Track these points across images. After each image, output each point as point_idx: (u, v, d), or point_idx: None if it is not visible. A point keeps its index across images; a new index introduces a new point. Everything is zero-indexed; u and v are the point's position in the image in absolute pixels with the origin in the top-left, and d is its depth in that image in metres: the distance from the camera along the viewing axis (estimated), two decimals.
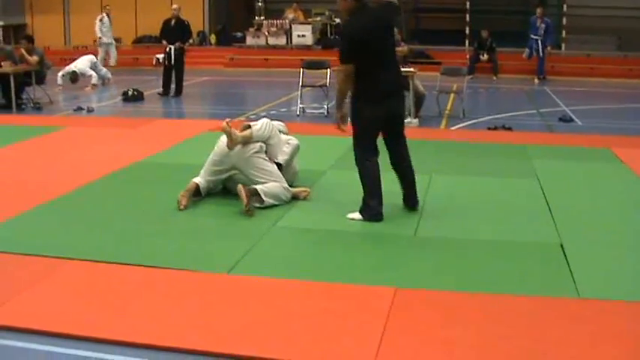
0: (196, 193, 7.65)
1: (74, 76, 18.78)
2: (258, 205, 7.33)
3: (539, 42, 21.47)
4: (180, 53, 17.33)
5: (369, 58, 6.84)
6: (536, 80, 21.75)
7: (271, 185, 7.51)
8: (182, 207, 7.40)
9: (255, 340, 4.54)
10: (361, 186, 7.14)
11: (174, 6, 18.05)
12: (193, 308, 5.01)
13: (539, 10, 21.67)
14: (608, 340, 4.60)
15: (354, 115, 7.09)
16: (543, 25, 21.47)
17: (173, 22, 17.72)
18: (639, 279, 5.75)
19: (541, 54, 21.65)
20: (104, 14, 23.12)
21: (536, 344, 4.52)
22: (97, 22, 23.00)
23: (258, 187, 7.39)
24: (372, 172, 7.16)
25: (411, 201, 7.44)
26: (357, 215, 7.10)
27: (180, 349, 4.43)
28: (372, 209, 7.07)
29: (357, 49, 6.82)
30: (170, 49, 17.26)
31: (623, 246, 6.49)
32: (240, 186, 7.26)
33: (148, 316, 4.89)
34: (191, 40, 27.04)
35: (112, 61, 23.40)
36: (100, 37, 23.06)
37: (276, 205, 7.45)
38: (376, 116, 7.01)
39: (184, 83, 17.85)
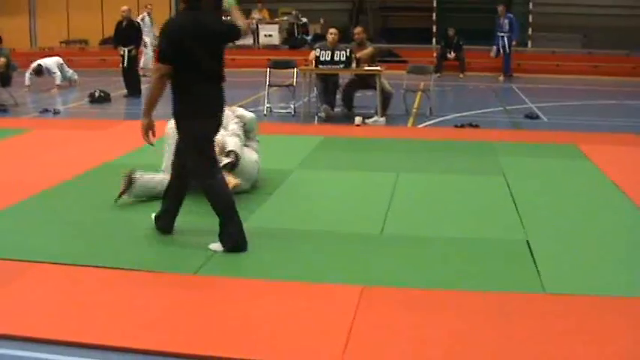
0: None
1: (39, 69, 18.64)
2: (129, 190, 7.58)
3: (505, 39, 21.56)
4: (134, 56, 17.40)
5: (189, 65, 6.11)
6: (501, 77, 21.83)
7: (153, 177, 7.73)
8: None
9: (222, 340, 4.54)
10: (215, 213, 6.32)
11: (124, 7, 17.91)
12: (160, 309, 5.00)
13: (500, 8, 21.76)
14: (575, 334, 4.64)
15: (186, 136, 6.30)
16: (507, 21, 21.56)
17: (124, 23, 17.68)
18: (604, 274, 5.79)
19: (507, 50, 21.72)
20: (145, 14, 22.69)
21: (504, 340, 4.55)
22: (140, 22, 22.62)
23: (136, 175, 7.61)
24: (221, 192, 6.34)
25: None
26: (218, 246, 6.25)
27: (147, 350, 4.42)
28: (232, 237, 6.25)
29: (175, 50, 6.06)
30: (124, 51, 17.29)
31: (588, 242, 6.54)
32: (123, 174, 7.57)
33: (115, 318, 4.87)
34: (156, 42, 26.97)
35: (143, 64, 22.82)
36: (144, 41, 22.63)
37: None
38: (208, 131, 6.32)
39: (148, 85, 17.77)
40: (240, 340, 4.53)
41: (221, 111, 6.38)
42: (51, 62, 18.94)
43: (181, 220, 6.99)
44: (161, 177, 7.66)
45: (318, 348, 4.44)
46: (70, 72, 19.58)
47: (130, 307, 5.04)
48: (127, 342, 4.51)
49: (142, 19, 22.39)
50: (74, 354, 4.41)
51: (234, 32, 6.55)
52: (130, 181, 7.52)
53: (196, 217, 7.17)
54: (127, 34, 17.47)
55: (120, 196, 7.50)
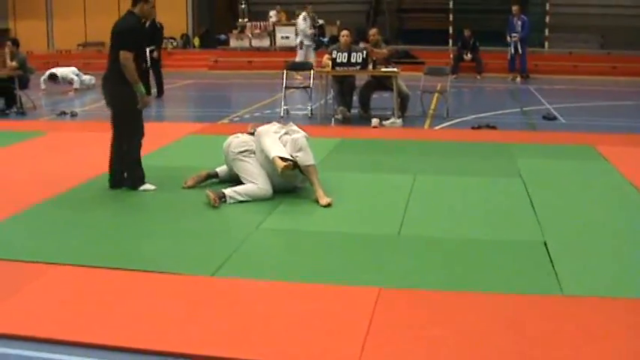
0: (212, 177, 8.55)
1: (53, 76, 18.79)
2: (225, 201, 7.68)
3: (518, 40, 21.55)
4: (156, 57, 17.25)
5: None
6: (518, 79, 21.81)
7: (244, 186, 7.84)
8: (185, 185, 8.30)
9: (240, 342, 4.54)
10: None
11: None
12: (178, 311, 5.00)
13: (515, 8, 21.68)
14: (592, 337, 4.61)
15: None
16: (520, 22, 21.52)
17: (147, 24, 17.62)
18: (622, 276, 5.75)
19: (521, 50, 21.67)
20: (305, 14, 22.64)
21: (521, 342, 4.53)
22: (301, 22, 22.60)
23: (226, 190, 7.74)
24: None
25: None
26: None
27: (165, 352, 4.42)
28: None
29: None
30: (146, 51, 17.21)
31: (606, 243, 6.50)
32: (207, 191, 7.71)
33: (133, 319, 4.88)
34: (173, 43, 27.04)
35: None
36: (301, 41, 22.60)
37: (251, 201, 7.72)
38: None
39: (167, 86, 17.81)
40: (257, 342, 4.53)
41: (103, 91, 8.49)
42: (66, 71, 19.11)
43: (198, 224, 7.03)
44: (254, 186, 7.85)
45: (336, 350, 4.43)
46: (87, 78, 19.68)
47: (148, 310, 5.04)
48: (144, 344, 4.51)
49: (304, 19, 22.39)
50: (90, 355, 4.42)
51: (115, 38, 8.13)
52: (220, 198, 7.68)
53: (213, 221, 7.20)
54: (149, 34, 17.44)
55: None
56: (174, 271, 5.73)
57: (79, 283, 5.55)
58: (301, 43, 22.45)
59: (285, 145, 7.89)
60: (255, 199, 7.70)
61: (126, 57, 7.89)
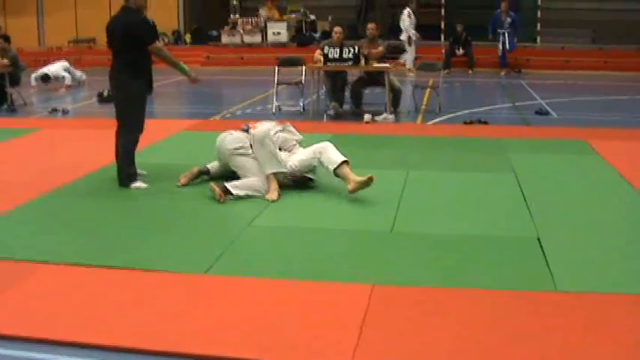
0: (204, 174, 8.39)
1: (46, 78, 18.71)
2: (232, 197, 7.59)
3: (506, 34, 21.65)
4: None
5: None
6: (502, 73, 21.91)
7: (244, 180, 7.81)
8: (179, 184, 8.17)
9: (234, 340, 4.51)
10: None
11: None
12: (171, 309, 4.97)
13: (503, 5, 21.77)
14: (586, 333, 4.60)
15: None
16: (509, 19, 21.65)
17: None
18: (616, 271, 5.75)
19: (509, 46, 21.79)
20: (409, 10, 22.48)
21: (515, 338, 4.52)
22: (406, 18, 22.44)
23: (228, 184, 7.65)
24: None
25: None
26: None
27: (158, 351, 4.40)
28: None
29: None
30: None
31: (600, 239, 6.49)
32: (211, 184, 7.62)
33: (125, 318, 4.85)
34: (165, 40, 26.96)
35: (409, 64, 22.25)
36: (409, 37, 22.44)
37: (253, 196, 7.69)
38: None
39: (160, 82, 17.73)
40: (251, 340, 4.51)
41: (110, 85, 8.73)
42: (57, 68, 19.02)
43: (190, 222, 7.00)
44: (252, 179, 7.83)
45: (329, 347, 4.41)
46: (78, 73, 19.62)
47: (140, 309, 5.01)
48: (136, 343, 4.49)
49: (409, 16, 22.31)
50: (82, 355, 4.39)
51: (132, 35, 8.10)
52: (225, 192, 7.61)
53: (205, 218, 7.17)
54: None
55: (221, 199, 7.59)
56: (166, 270, 5.70)
57: (69, 282, 5.51)
58: (409, 38, 22.40)
59: (284, 143, 8.23)
60: (256, 194, 7.71)
61: (155, 47, 8.22)
